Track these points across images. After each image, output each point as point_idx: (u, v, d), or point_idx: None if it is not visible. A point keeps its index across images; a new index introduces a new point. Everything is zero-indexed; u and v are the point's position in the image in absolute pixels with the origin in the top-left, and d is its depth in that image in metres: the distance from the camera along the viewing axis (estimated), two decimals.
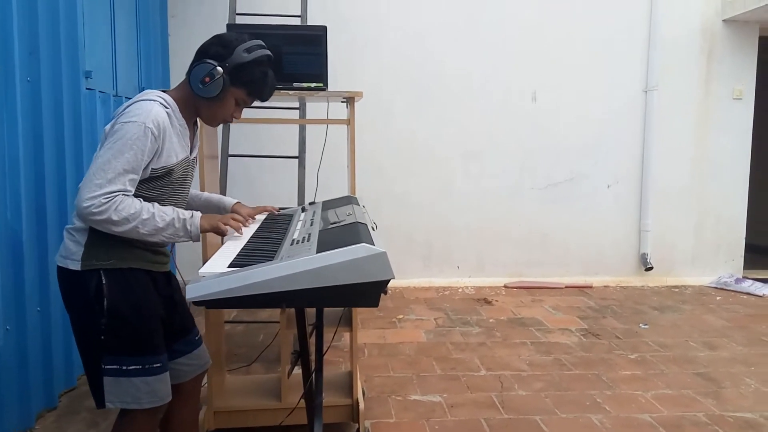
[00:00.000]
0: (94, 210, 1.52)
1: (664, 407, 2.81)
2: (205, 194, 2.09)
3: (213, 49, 1.71)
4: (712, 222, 5.19)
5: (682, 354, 3.50)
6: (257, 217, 2.07)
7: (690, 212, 5.16)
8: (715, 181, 5.14)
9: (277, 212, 2.10)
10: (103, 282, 1.63)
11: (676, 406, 2.83)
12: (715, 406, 2.83)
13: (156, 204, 1.66)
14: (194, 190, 2.06)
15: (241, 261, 1.47)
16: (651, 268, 5.06)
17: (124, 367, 1.64)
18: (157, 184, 1.68)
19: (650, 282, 5.12)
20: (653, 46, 4.96)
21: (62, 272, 1.67)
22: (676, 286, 5.09)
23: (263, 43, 1.75)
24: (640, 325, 4.04)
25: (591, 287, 5.00)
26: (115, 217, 1.53)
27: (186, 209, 1.99)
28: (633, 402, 2.87)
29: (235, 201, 2.07)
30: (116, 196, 1.54)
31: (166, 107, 1.67)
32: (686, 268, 5.19)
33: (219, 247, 1.70)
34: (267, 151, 4.06)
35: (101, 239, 1.62)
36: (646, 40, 4.98)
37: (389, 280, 1.34)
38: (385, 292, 1.38)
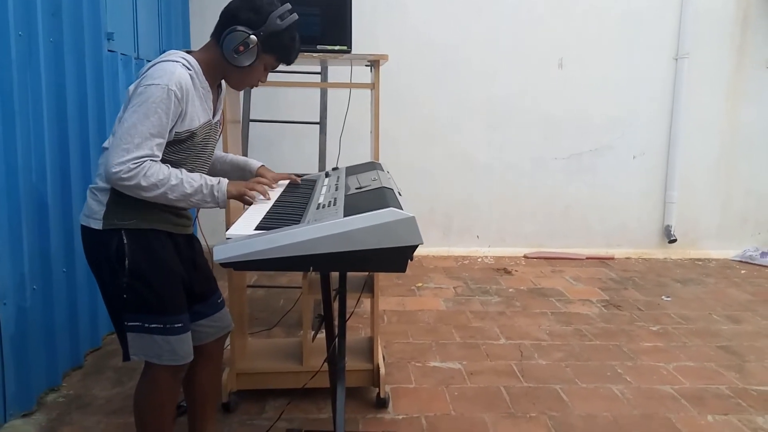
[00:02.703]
0: (123, 176, 1.52)
1: (686, 379, 2.79)
2: (231, 156, 2.08)
3: (244, 15, 1.66)
4: (740, 195, 5.07)
5: (705, 327, 3.47)
6: (279, 182, 2.05)
7: (718, 184, 5.05)
8: (745, 153, 5.01)
9: (300, 182, 2.07)
10: (125, 242, 1.64)
11: (699, 378, 2.81)
12: (738, 379, 2.81)
13: (184, 170, 1.66)
14: (220, 152, 2.05)
15: (267, 224, 1.46)
16: (675, 241, 4.99)
17: (146, 325, 1.67)
18: (178, 148, 1.67)
19: (673, 255, 5.05)
20: (685, 12, 4.78)
21: (85, 231, 1.69)
22: (699, 259, 5.02)
23: (290, 6, 1.72)
24: (663, 297, 4.00)
25: (612, 259, 4.95)
26: (144, 183, 1.54)
27: (211, 171, 1.99)
28: (654, 373, 2.85)
29: (260, 164, 2.05)
30: (144, 161, 1.54)
31: (189, 69, 1.64)
32: (711, 242, 5.10)
33: (242, 212, 1.69)
34: (286, 117, 4.03)
35: (123, 199, 1.62)
36: (678, 7, 4.80)
37: (417, 246, 1.33)
38: (411, 258, 1.36)
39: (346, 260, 1.32)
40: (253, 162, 2.05)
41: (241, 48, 1.65)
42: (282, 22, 1.68)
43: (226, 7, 1.71)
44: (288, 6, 1.71)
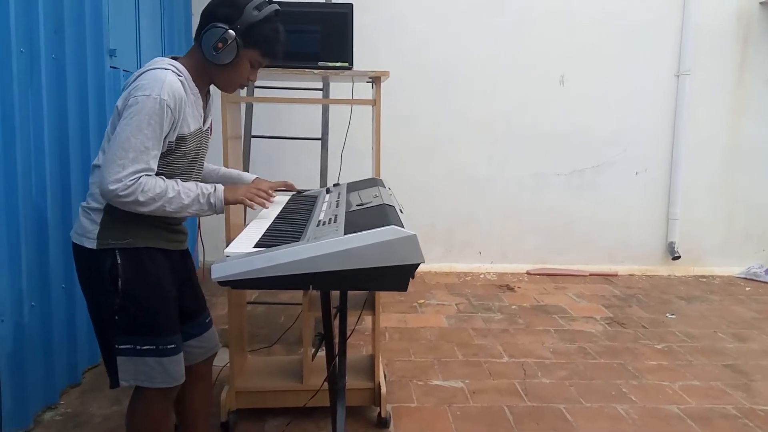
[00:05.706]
0: (120, 193, 1.48)
1: (692, 399, 2.75)
2: (223, 169, 2.03)
3: (221, 11, 1.61)
4: (743, 211, 5.05)
5: (711, 345, 3.42)
6: (279, 199, 2.00)
7: (720, 201, 5.03)
8: (747, 169, 5.00)
9: (297, 190, 2.05)
10: (118, 262, 1.60)
11: (705, 397, 2.77)
12: (745, 399, 2.76)
13: (179, 180, 1.62)
14: (212, 165, 2.01)
15: (267, 241, 1.44)
16: (678, 257, 4.95)
17: (138, 347, 1.63)
18: (170, 159, 1.63)
19: (677, 271, 5.02)
20: (686, 29, 4.79)
21: (77, 250, 1.65)
22: (703, 276, 4.98)
23: None
24: (667, 314, 3.96)
25: (616, 275, 4.92)
26: (142, 198, 1.50)
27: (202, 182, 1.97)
28: (660, 393, 2.81)
29: (254, 177, 2.01)
30: (141, 176, 1.50)
31: (179, 75, 1.60)
32: (715, 258, 5.07)
33: (242, 228, 1.68)
34: (288, 133, 4.03)
35: (117, 218, 1.58)
36: (679, 24, 4.82)
37: (418, 264, 1.31)
38: (412, 277, 1.34)
39: (346, 279, 1.29)
40: (247, 175, 2.01)
41: (220, 45, 1.59)
42: (259, 13, 1.61)
43: (205, 7, 1.66)
44: None
